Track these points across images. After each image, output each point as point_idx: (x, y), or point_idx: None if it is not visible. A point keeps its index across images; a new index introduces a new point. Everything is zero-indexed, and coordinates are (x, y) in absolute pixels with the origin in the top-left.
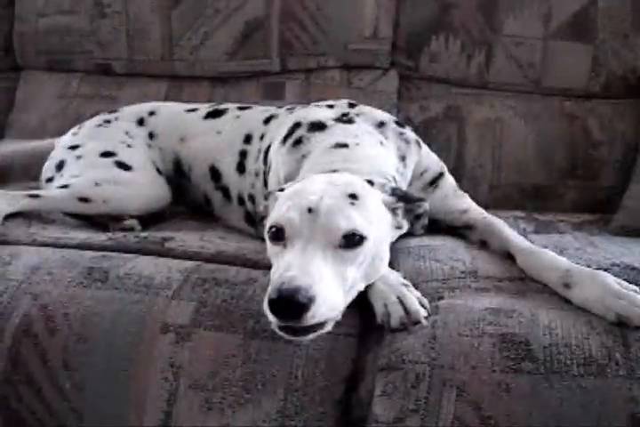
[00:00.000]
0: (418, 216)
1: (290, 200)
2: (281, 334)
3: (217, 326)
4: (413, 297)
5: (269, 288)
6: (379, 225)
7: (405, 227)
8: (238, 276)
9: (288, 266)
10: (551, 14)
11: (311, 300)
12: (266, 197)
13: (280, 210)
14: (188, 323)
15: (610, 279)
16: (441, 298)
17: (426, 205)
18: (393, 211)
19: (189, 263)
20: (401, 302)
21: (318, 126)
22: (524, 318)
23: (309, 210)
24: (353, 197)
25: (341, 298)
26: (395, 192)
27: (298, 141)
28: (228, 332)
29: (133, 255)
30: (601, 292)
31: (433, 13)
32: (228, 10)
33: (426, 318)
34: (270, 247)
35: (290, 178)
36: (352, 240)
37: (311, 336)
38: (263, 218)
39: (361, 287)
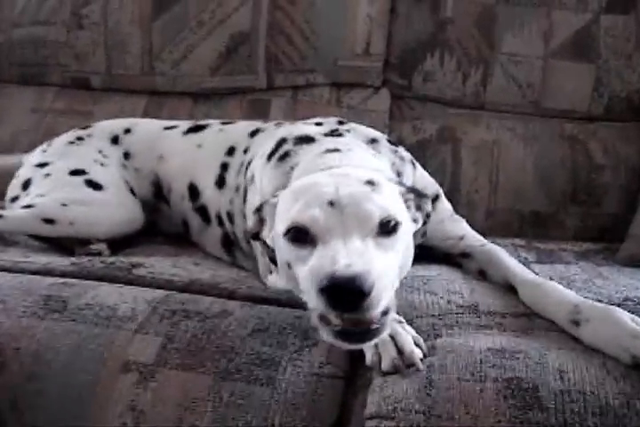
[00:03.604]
0: (427, 215)
1: (299, 198)
2: (337, 342)
3: (185, 365)
4: (408, 336)
5: (315, 282)
6: (403, 213)
7: (420, 221)
8: (211, 308)
9: (333, 258)
10: (552, 32)
11: (372, 287)
12: (259, 209)
13: (292, 209)
14: (152, 361)
15: (624, 316)
16: (438, 336)
17: (430, 204)
18: (406, 202)
19: (158, 293)
20: (393, 341)
21: (306, 140)
22: (532, 361)
23: (330, 203)
24: (370, 183)
25: (392, 290)
26: (402, 184)
27: (284, 155)
28: (198, 372)
29: (97, 283)
30: (614, 330)
31: (428, 30)
32: (212, 22)
33: (421, 359)
34: (291, 251)
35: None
36: (388, 227)
37: (372, 341)
38: (256, 235)
39: (397, 283)
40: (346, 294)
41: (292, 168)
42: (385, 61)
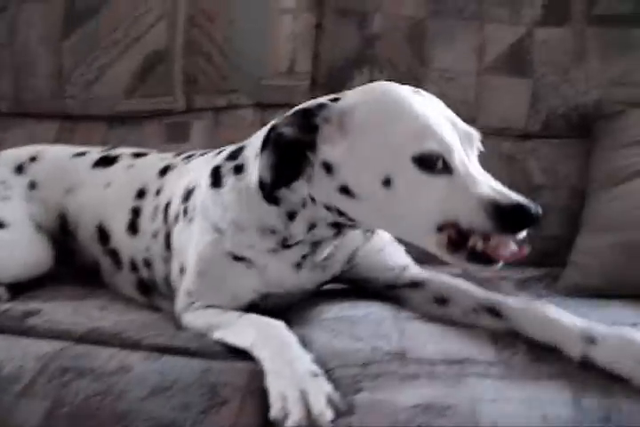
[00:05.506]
0: None
1: (414, 114)
2: (471, 264)
3: None
4: (321, 393)
5: (488, 205)
6: None
7: None
8: (109, 362)
9: (492, 187)
10: (485, 46)
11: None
12: (310, 112)
13: (410, 128)
14: None
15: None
16: (359, 391)
17: None
18: None
19: (52, 346)
20: (303, 399)
21: (240, 149)
22: (463, 417)
23: (453, 124)
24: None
25: None
26: None
27: (239, 168)
28: None
29: None
30: (633, 349)
31: (356, 46)
32: (126, 41)
33: (333, 421)
34: (417, 177)
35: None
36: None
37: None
38: (296, 143)
39: None
40: (528, 217)
41: None
42: (312, 80)
